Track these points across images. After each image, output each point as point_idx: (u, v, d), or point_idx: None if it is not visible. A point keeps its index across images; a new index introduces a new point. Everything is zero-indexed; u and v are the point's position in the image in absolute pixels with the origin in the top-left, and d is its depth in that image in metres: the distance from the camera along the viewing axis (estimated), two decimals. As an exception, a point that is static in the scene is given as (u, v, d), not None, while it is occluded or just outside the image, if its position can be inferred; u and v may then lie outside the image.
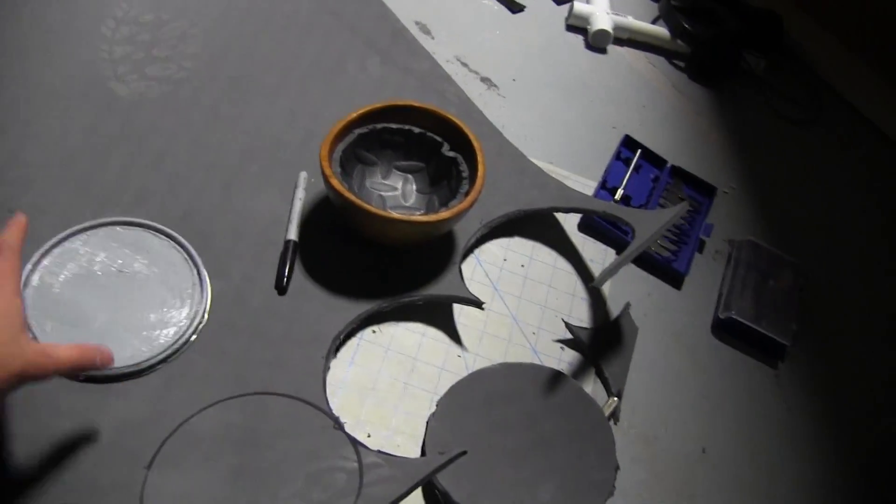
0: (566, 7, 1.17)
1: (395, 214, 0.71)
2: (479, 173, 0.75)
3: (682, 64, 1.18)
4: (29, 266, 0.68)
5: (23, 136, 0.78)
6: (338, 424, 0.64)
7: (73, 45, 0.87)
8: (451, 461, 0.61)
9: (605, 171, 0.95)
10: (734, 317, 0.85)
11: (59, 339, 0.64)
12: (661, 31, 1.18)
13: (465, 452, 0.63)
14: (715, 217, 0.96)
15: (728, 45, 1.19)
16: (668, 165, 0.98)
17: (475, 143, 0.76)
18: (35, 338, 0.64)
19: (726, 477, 0.76)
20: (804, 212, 1.05)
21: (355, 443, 0.63)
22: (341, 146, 0.76)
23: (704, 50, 1.17)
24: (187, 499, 0.60)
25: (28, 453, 0.60)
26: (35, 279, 0.68)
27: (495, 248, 0.85)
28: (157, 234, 0.74)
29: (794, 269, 0.93)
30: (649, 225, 0.78)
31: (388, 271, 0.76)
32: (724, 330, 0.87)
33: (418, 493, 0.66)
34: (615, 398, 0.76)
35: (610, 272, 0.73)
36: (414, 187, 0.81)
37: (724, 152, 1.08)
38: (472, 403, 0.71)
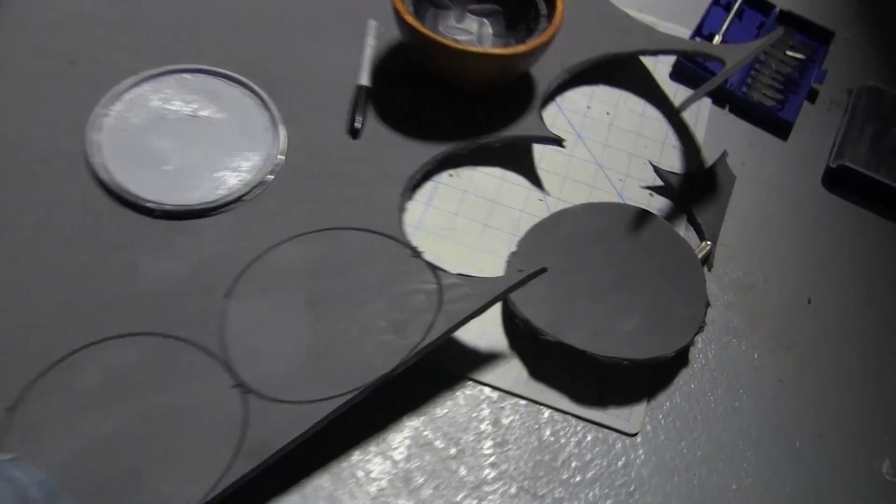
0: None
1: (470, 47, 0.75)
2: (558, 9, 0.78)
3: None
4: (101, 110, 0.78)
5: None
6: (415, 252, 0.71)
7: None
8: (530, 277, 0.66)
9: (703, 17, 0.96)
10: (847, 164, 0.85)
11: (135, 179, 0.73)
12: None
13: (545, 269, 0.66)
14: (831, 65, 0.96)
15: None
16: (776, 10, 0.98)
17: (553, -23, 0.81)
18: (114, 178, 0.75)
19: (831, 328, 0.78)
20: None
21: (434, 267, 0.69)
22: (413, -13, 0.82)
23: None
24: (267, 323, 0.67)
25: (100, 286, 0.68)
26: (109, 122, 0.78)
27: (578, 97, 0.89)
28: (227, 80, 0.80)
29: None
30: (741, 57, 0.82)
31: (464, 114, 0.81)
32: (836, 181, 0.87)
33: (499, 325, 0.73)
34: (708, 242, 0.80)
35: (695, 97, 0.76)
36: (490, 31, 0.85)
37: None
38: (553, 243, 0.75)
